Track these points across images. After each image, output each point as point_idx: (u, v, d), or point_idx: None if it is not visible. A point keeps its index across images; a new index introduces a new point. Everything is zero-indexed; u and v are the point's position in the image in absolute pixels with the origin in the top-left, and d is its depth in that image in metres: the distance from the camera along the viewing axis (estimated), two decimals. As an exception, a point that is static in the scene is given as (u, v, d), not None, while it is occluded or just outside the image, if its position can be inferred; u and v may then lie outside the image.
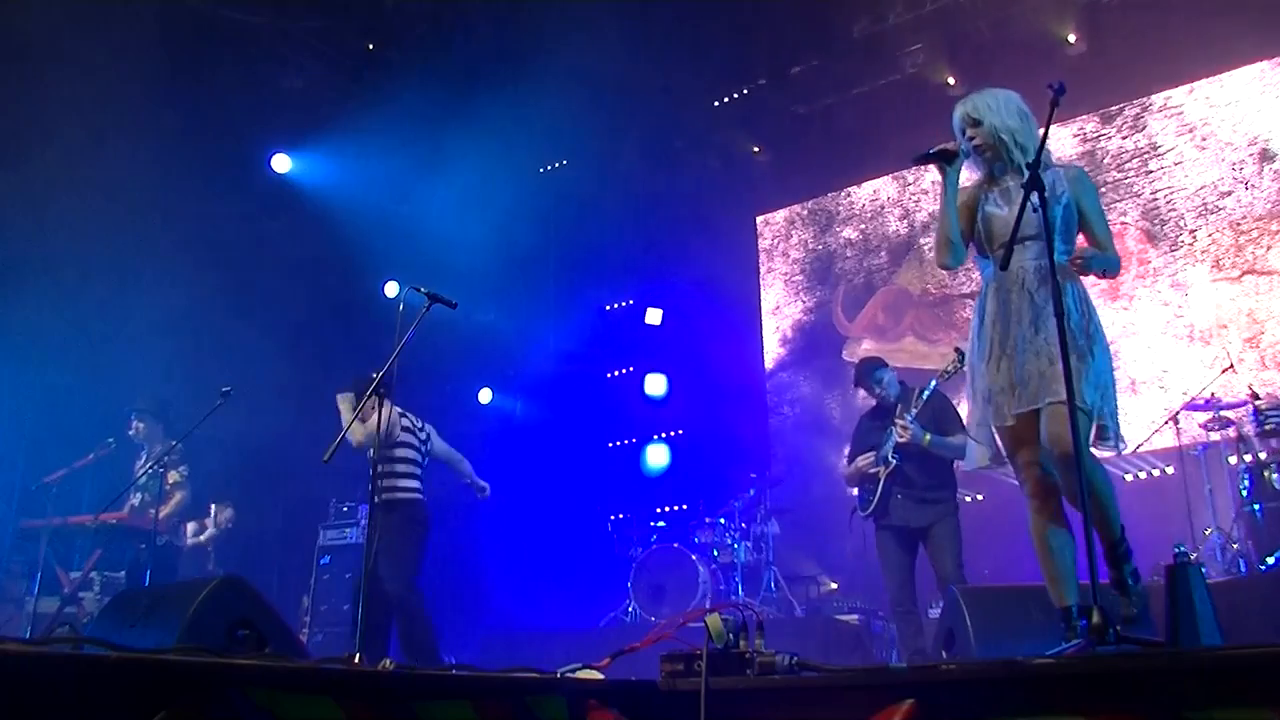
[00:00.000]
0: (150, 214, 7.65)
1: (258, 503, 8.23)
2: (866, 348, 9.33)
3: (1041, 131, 3.09)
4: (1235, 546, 6.28)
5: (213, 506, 7.52)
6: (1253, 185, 7.77)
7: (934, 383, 5.23)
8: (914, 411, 5.24)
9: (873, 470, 5.40)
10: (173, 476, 6.44)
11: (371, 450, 4.88)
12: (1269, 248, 7.61)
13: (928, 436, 5.14)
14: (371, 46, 8.82)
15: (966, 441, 5.07)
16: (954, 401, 5.43)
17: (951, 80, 8.77)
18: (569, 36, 7.93)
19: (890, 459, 5.31)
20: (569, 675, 2.70)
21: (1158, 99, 8.37)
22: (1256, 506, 6.06)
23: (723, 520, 7.95)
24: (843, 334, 9.63)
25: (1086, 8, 8.12)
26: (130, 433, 6.58)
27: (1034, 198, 2.94)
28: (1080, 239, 3.31)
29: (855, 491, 5.62)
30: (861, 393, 5.98)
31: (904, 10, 8.52)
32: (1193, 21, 7.56)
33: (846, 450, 5.79)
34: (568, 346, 10.41)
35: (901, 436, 5.15)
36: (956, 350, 5.11)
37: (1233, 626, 3.42)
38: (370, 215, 8.94)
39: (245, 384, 6.11)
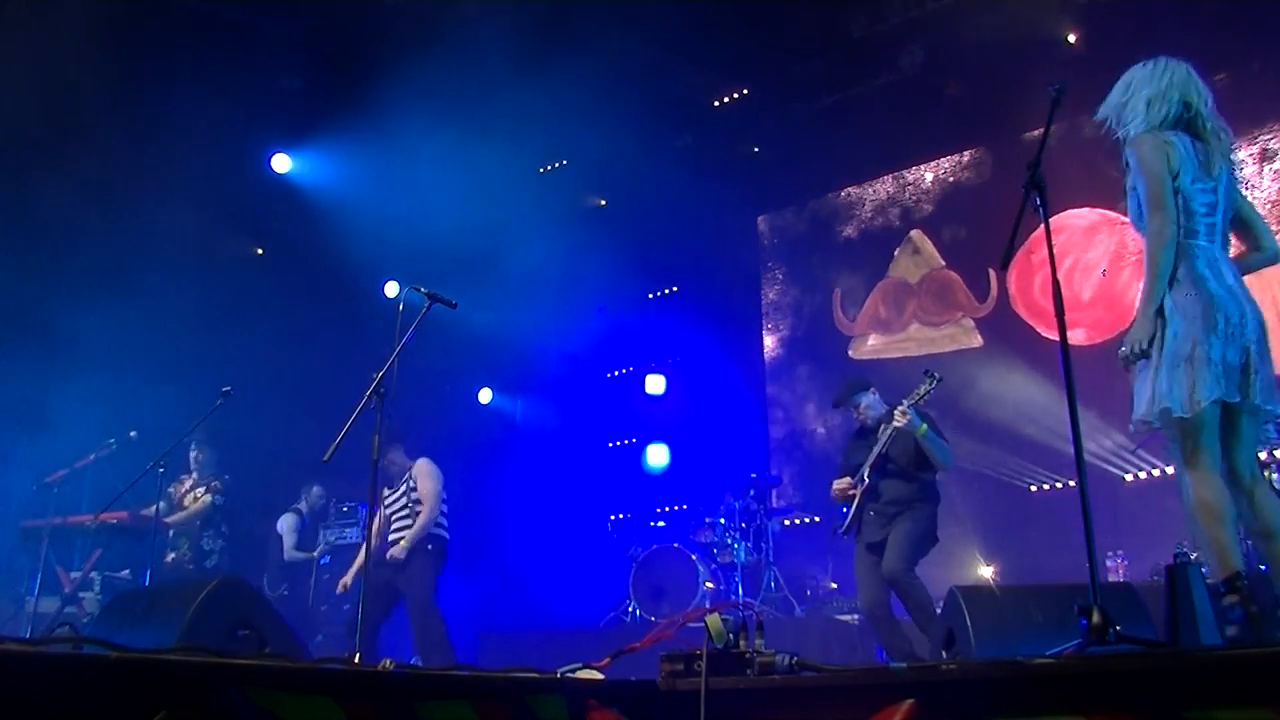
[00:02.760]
0: (150, 213, 7.65)
1: (258, 503, 8.23)
2: (873, 344, 9.34)
3: (1041, 132, 3.09)
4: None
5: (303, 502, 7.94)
6: (1253, 185, 7.77)
7: (916, 417, 5.06)
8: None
9: (851, 492, 5.38)
10: (203, 497, 6.69)
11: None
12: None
13: (924, 427, 5.06)
14: (371, 46, 8.82)
15: (950, 447, 5.14)
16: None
17: (952, 80, 8.77)
18: (569, 37, 7.93)
19: (865, 477, 5.28)
20: (569, 675, 2.70)
21: (1158, 99, 8.36)
22: (1257, 506, 6.06)
23: (723, 520, 7.94)
24: (846, 333, 9.62)
25: (1086, 7, 8.12)
26: (190, 459, 6.84)
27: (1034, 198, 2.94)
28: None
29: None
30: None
31: (904, 10, 8.51)
32: (1192, 20, 7.56)
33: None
34: (568, 346, 10.41)
35: (899, 422, 5.04)
36: (926, 372, 5.12)
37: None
38: (370, 215, 8.93)
39: (245, 384, 6.12)
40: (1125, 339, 3.17)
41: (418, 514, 5.80)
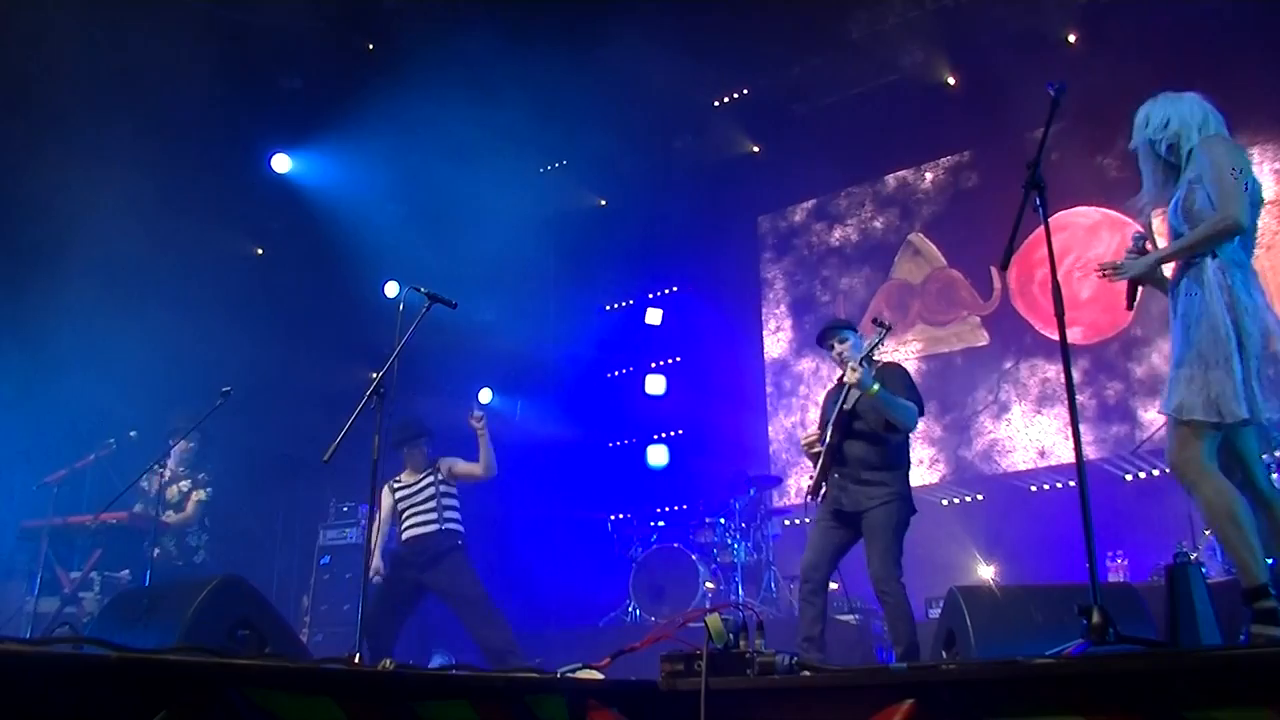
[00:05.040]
0: (150, 213, 7.64)
1: (258, 503, 8.23)
2: (879, 344, 9.35)
3: (1041, 133, 3.10)
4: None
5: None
6: (1253, 185, 7.76)
7: (867, 376, 4.63)
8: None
9: (817, 449, 4.95)
10: (198, 495, 6.63)
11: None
12: (1269, 247, 7.60)
13: (876, 386, 4.61)
14: (371, 46, 8.82)
15: (912, 407, 4.72)
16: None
17: (951, 80, 8.78)
18: (569, 37, 7.93)
19: (827, 437, 4.83)
20: (569, 675, 2.70)
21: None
22: (1256, 506, 6.04)
23: (723, 520, 7.94)
24: (849, 336, 9.60)
25: (1086, 8, 8.12)
26: (175, 451, 6.65)
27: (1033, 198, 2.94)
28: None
29: None
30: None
31: (904, 10, 8.52)
32: (1191, 21, 7.56)
33: None
34: (568, 346, 10.41)
35: (849, 378, 4.64)
36: (875, 321, 4.79)
37: (1233, 626, 3.43)
38: (370, 215, 8.93)
39: (244, 384, 6.11)
40: (1122, 262, 3.39)
41: (447, 504, 5.88)
